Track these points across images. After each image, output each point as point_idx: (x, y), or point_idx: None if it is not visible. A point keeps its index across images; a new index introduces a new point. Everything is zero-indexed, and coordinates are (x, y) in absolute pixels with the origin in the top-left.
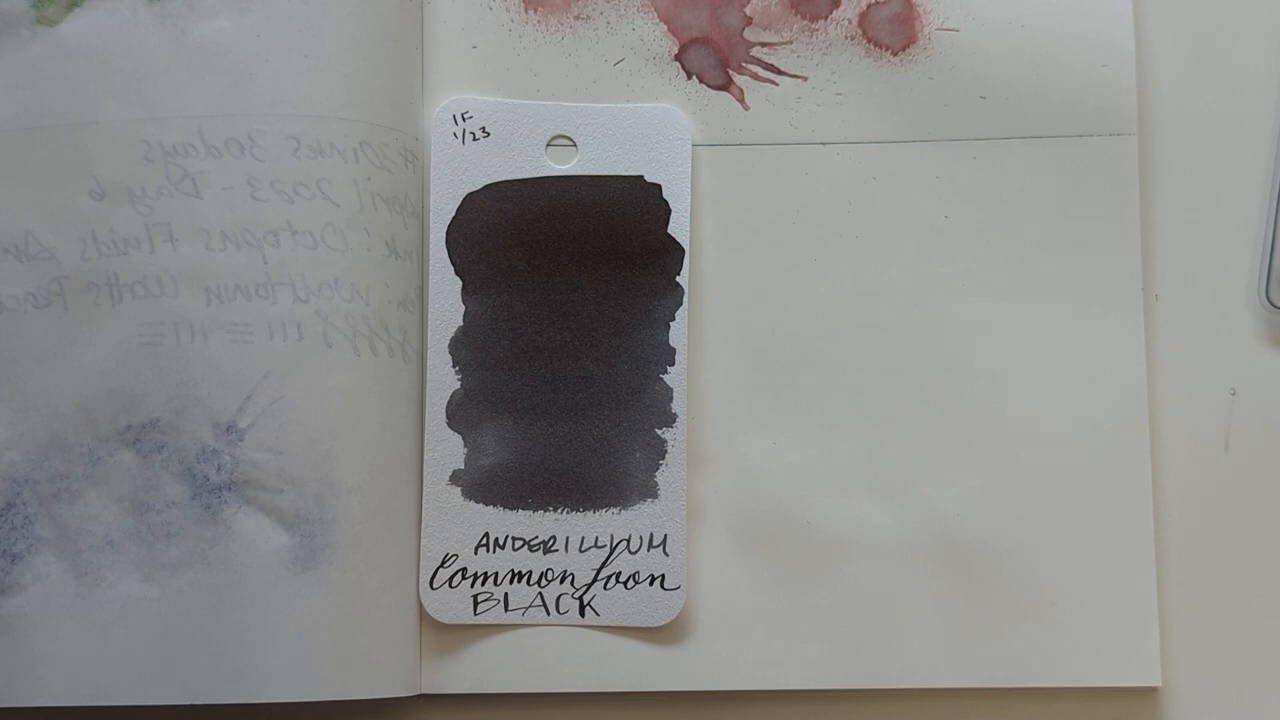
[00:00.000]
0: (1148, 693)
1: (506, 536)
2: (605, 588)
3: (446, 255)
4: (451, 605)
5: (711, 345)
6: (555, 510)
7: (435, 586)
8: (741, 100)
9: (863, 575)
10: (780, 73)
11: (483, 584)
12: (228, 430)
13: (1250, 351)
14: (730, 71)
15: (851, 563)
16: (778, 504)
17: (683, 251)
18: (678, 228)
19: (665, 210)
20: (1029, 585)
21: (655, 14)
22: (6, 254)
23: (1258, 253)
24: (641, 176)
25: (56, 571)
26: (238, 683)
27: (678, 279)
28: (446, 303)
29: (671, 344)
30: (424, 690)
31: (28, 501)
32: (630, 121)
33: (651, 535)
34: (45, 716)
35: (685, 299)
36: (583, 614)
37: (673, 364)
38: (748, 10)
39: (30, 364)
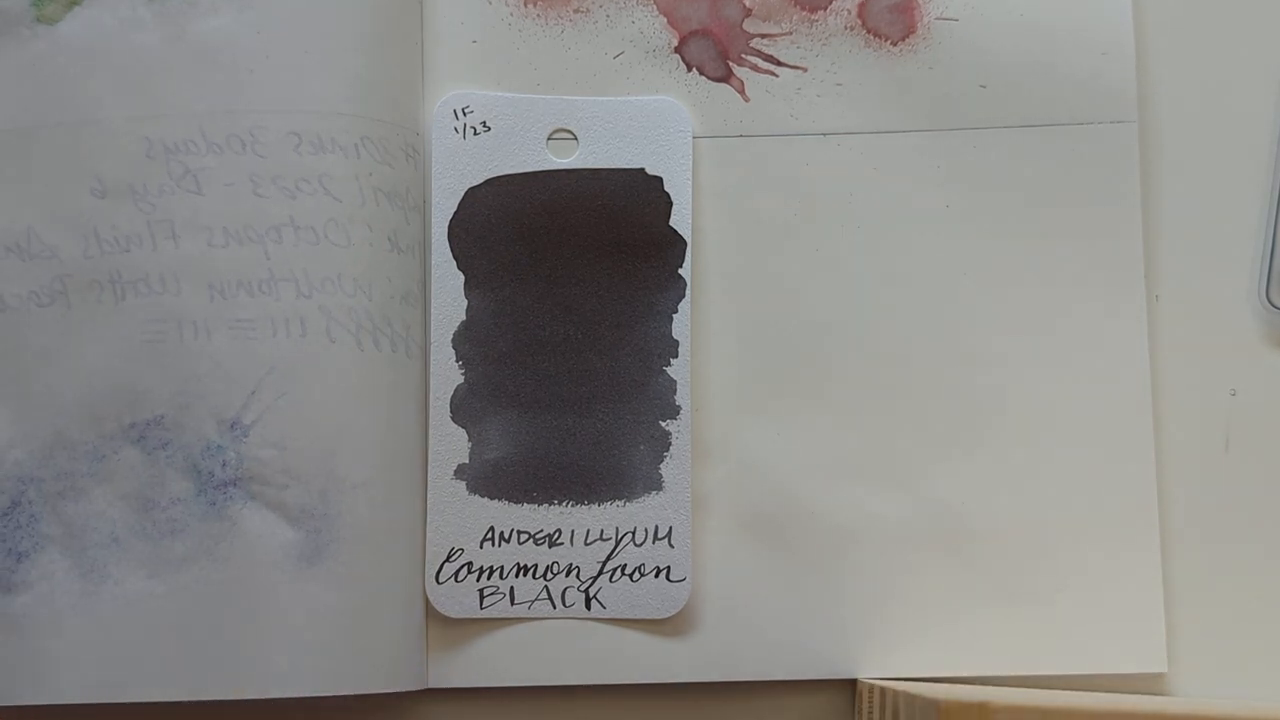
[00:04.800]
0: (1154, 679)
1: (512, 530)
2: (611, 580)
3: (449, 250)
4: (458, 599)
5: (714, 337)
6: (560, 504)
7: (441, 581)
8: (742, 92)
9: (868, 565)
10: (780, 64)
11: (488, 578)
12: (232, 426)
13: (1250, 351)
14: (730, 63)
15: (856, 552)
16: (783, 495)
17: (685, 244)
18: (679, 220)
19: (667, 203)
20: (1035, 573)
21: (654, 6)
22: (9, 253)
23: (1258, 253)
24: (643, 169)
25: (62, 569)
26: (244, 678)
27: (680, 271)
28: (449, 297)
29: (674, 336)
30: (431, 684)
31: (33, 499)
32: (631, 114)
33: (656, 528)
34: (52, 714)
35: (688, 291)
36: (589, 607)
37: (676, 356)
38: (747, 2)
39: (34, 362)
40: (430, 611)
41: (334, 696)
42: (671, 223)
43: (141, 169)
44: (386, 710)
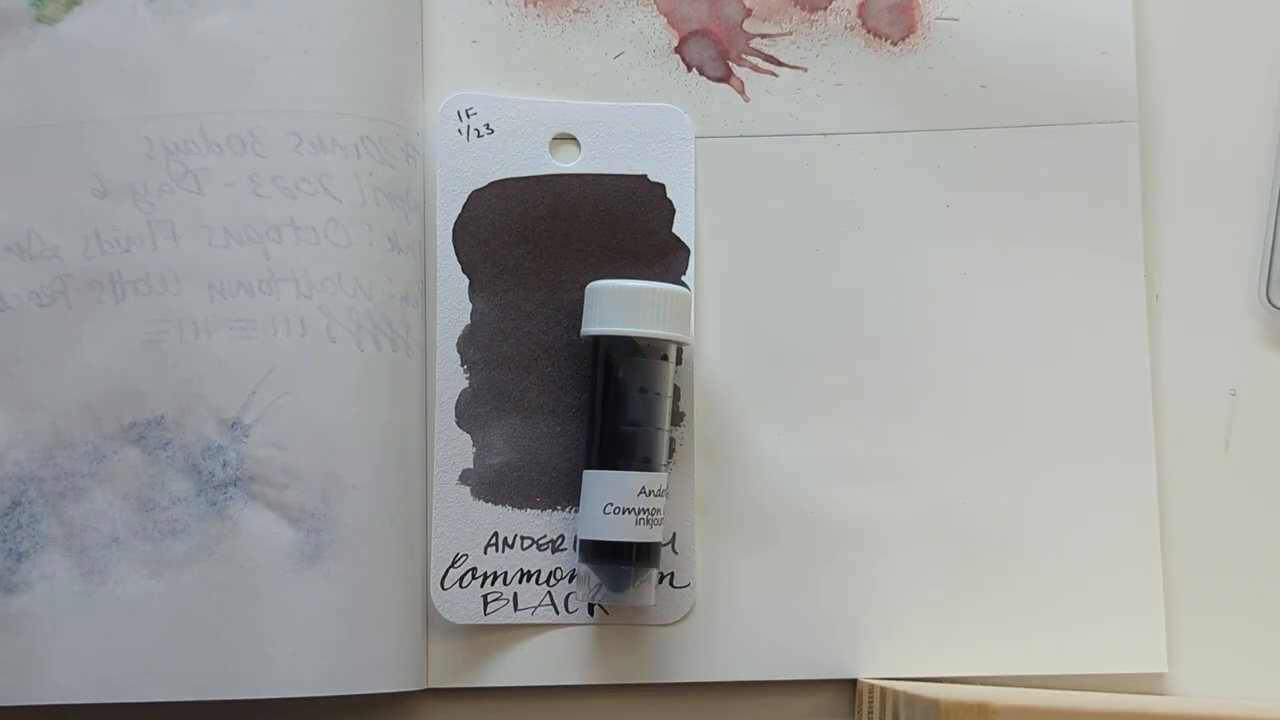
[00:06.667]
0: (1154, 679)
1: (515, 536)
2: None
3: (453, 252)
4: (462, 605)
5: (715, 338)
6: (564, 509)
7: (446, 587)
8: (742, 92)
9: (868, 565)
10: (780, 64)
11: (492, 584)
12: (232, 426)
13: (1250, 351)
14: (730, 63)
15: (856, 552)
16: (785, 496)
17: (688, 251)
18: (682, 228)
19: (669, 210)
20: (1035, 573)
21: (655, 6)
22: (9, 253)
23: (1258, 253)
24: (645, 175)
25: (63, 569)
26: (245, 678)
27: (683, 279)
28: (453, 300)
29: None
30: (431, 684)
31: (34, 500)
32: (633, 120)
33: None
34: (53, 714)
35: (691, 298)
36: (591, 613)
37: (679, 363)
38: (747, 2)
39: (34, 362)
40: (430, 611)
41: (334, 697)
42: (674, 230)
43: (142, 169)
44: (386, 710)
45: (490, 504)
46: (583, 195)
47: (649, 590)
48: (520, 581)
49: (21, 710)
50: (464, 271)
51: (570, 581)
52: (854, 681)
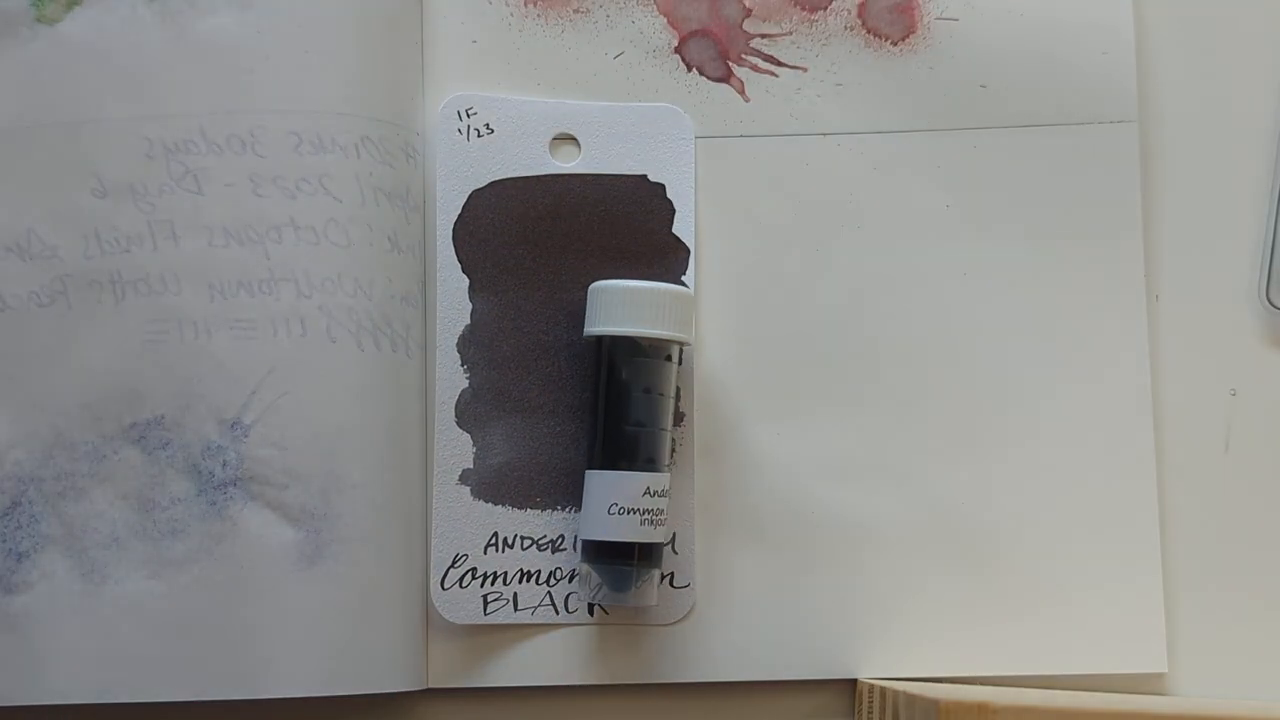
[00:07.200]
0: (1154, 679)
1: (515, 536)
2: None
3: (453, 252)
4: (462, 605)
5: (715, 339)
6: (564, 509)
7: (446, 587)
8: (742, 92)
9: (868, 565)
10: (780, 64)
11: (492, 584)
12: (232, 426)
13: (1250, 351)
14: (730, 63)
15: (857, 553)
16: (785, 496)
17: (688, 251)
18: (682, 228)
19: (669, 210)
20: (1035, 574)
21: (654, 6)
22: (9, 253)
23: (1258, 253)
24: (645, 176)
25: (63, 569)
26: (245, 679)
27: (683, 279)
28: (453, 300)
29: None
30: (431, 684)
31: (33, 500)
32: (633, 120)
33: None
34: (52, 714)
35: (693, 299)
36: (591, 613)
37: (681, 363)
38: (747, 2)
39: (34, 362)
40: (431, 612)
41: (334, 697)
42: (674, 230)
43: (142, 169)
44: (386, 710)
45: (490, 504)
46: (583, 195)
47: (651, 590)
48: (520, 581)
49: (21, 710)
50: (464, 271)
51: (570, 581)
52: (854, 681)
